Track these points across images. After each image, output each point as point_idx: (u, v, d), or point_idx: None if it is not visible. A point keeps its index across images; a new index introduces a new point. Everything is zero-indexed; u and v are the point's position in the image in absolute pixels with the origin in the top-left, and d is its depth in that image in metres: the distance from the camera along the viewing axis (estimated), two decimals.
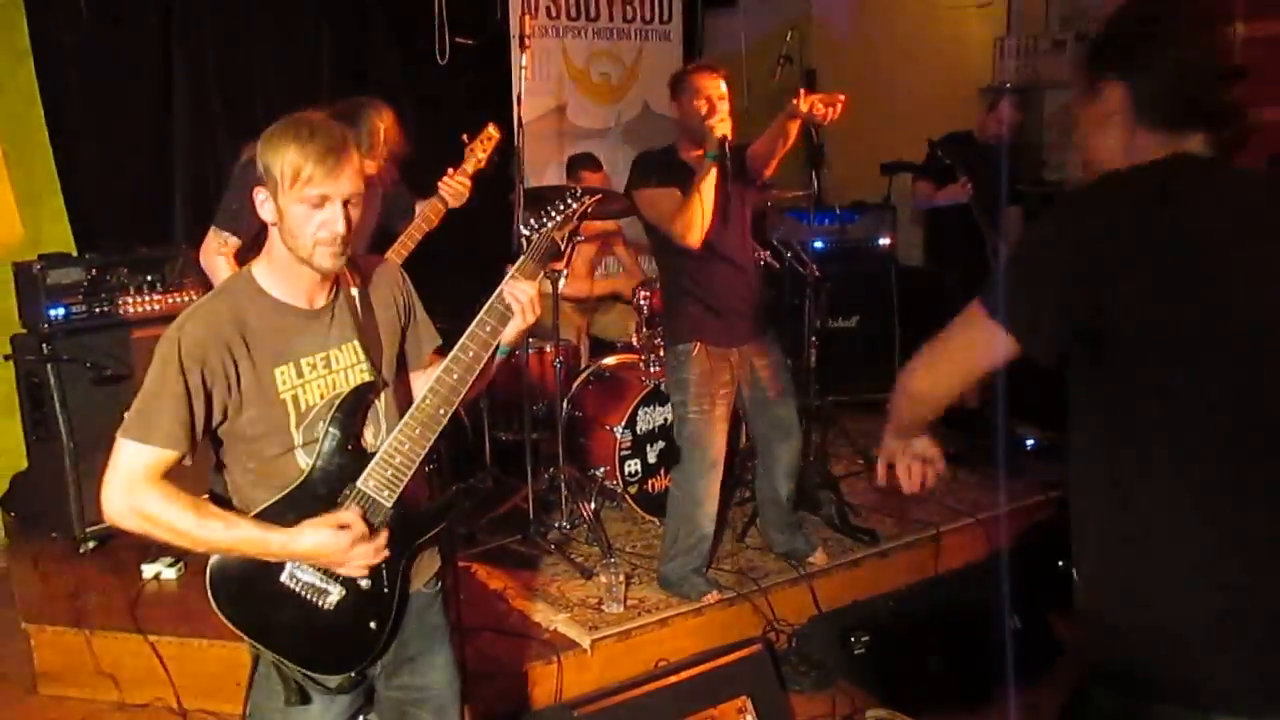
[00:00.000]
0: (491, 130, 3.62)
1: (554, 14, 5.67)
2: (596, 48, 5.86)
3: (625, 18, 5.92)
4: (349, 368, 1.96)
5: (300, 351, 1.91)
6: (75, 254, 4.22)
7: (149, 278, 4.10)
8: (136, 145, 4.60)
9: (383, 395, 2.00)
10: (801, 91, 3.16)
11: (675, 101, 3.48)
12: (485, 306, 2.01)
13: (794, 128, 3.28)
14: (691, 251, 3.38)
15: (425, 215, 3.50)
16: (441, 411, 1.95)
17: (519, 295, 2.01)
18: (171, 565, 3.72)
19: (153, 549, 3.75)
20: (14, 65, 4.28)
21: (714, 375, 3.50)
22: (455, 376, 1.96)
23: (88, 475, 3.84)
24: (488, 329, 1.99)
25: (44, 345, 3.89)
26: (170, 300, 4.09)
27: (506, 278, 2.03)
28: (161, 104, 4.64)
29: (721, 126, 3.27)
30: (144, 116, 4.61)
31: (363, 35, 5.12)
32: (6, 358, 4.09)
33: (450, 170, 3.55)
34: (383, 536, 1.91)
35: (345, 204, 1.84)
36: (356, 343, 1.97)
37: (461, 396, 1.97)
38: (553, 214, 2.13)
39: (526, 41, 4.03)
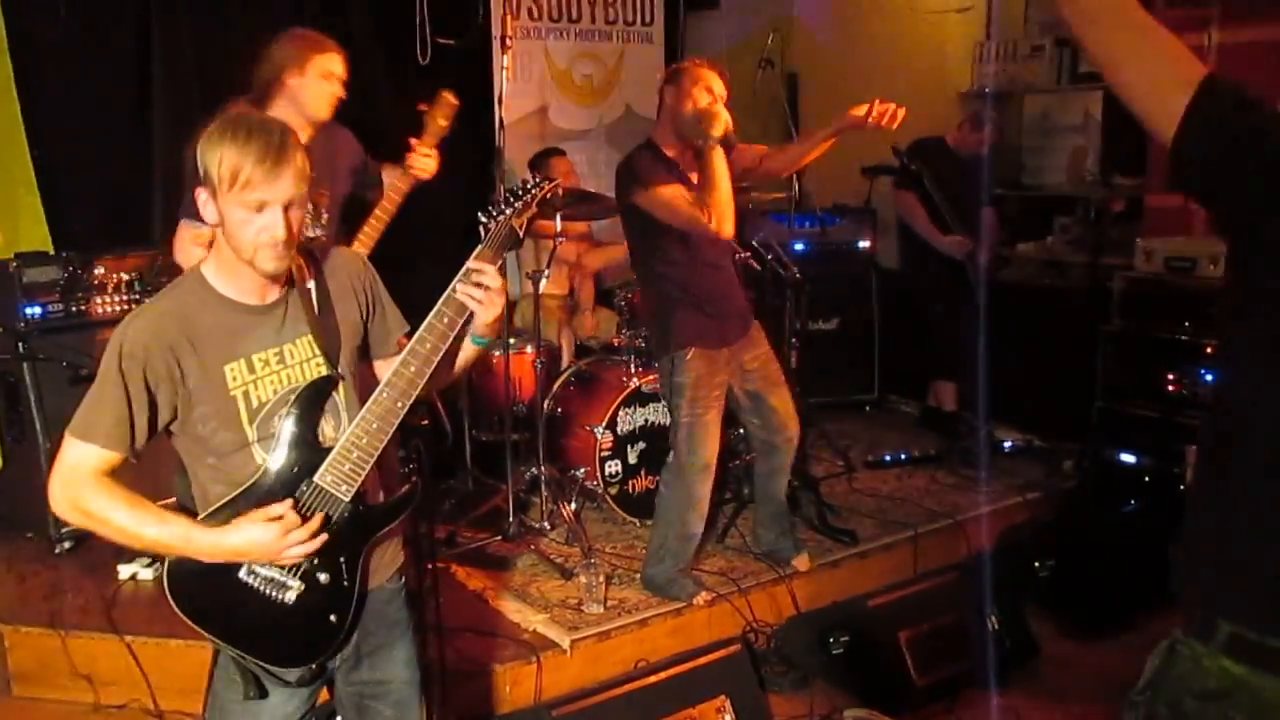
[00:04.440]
0: (449, 97, 3.49)
1: (536, 15, 5.66)
2: (578, 49, 5.86)
3: (607, 19, 5.92)
4: (304, 362, 1.95)
5: (251, 348, 1.90)
6: (52, 252, 4.19)
7: (126, 277, 4.08)
8: (115, 144, 4.56)
9: (342, 388, 1.98)
10: (875, 103, 3.29)
11: (672, 87, 3.43)
12: (443, 297, 2.00)
13: (831, 141, 3.41)
14: (681, 256, 3.40)
15: (395, 187, 3.41)
16: (399, 404, 1.94)
17: (482, 281, 2.00)
18: (148, 566, 3.69)
19: (128, 550, 3.73)
20: None
21: (709, 379, 3.49)
22: (413, 369, 1.95)
23: None
24: (445, 320, 1.98)
25: (20, 344, 3.86)
26: (147, 300, 4.06)
27: (464, 267, 2.02)
28: (140, 102, 4.60)
29: (723, 117, 3.27)
30: (122, 115, 4.57)
31: (344, 34, 5.08)
32: None
33: (414, 141, 3.44)
34: (316, 520, 1.89)
35: (286, 208, 1.81)
36: (311, 336, 1.96)
37: (420, 388, 1.96)
38: (511, 200, 2.12)
39: (508, 42, 4.03)
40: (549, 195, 2.21)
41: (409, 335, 2.07)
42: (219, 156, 1.78)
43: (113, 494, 1.81)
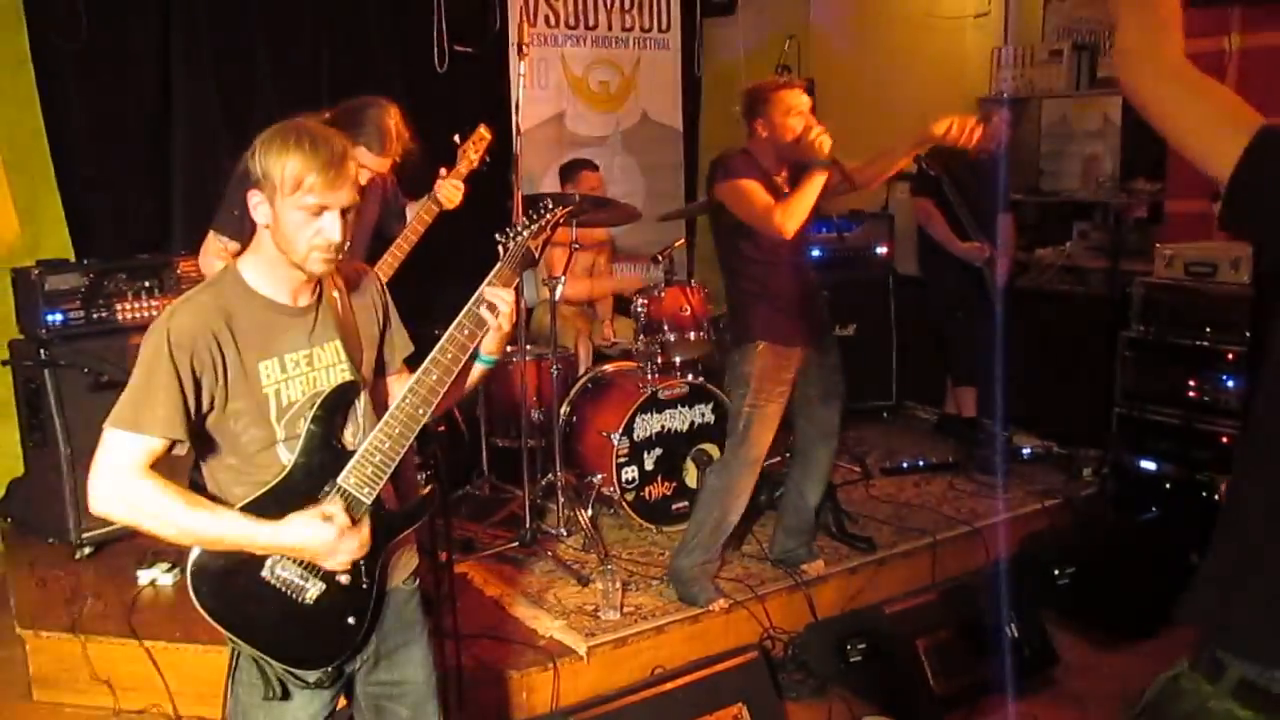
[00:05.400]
0: (483, 131, 3.66)
1: (553, 22, 5.69)
2: (595, 56, 5.88)
3: (624, 26, 5.94)
4: (330, 366, 1.99)
5: (284, 347, 1.94)
6: (73, 260, 4.23)
7: (146, 284, 4.11)
8: (135, 152, 4.61)
9: (362, 396, 2.03)
10: (949, 121, 3.31)
11: (760, 119, 3.47)
12: (464, 310, 2.06)
13: (909, 160, 3.51)
14: (759, 254, 3.50)
15: (420, 218, 3.53)
16: (421, 412, 1.98)
17: (496, 303, 2.07)
18: (168, 571, 3.72)
19: (149, 554, 3.75)
20: (14, 72, 4.29)
21: (775, 374, 3.56)
22: (434, 377, 2.00)
23: (85, 481, 3.82)
24: (465, 332, 2.05)
25: (41, 351, 3.90)
26: (169, 305, 4.10)
27: (483, 284, 2.08)
28: (160, 112, 4.64)
29: (826, 138, 3.33)
30: (143, 124, 4.61)
31: (362, 43, 5.13)
32: (4, 363, 4.08)
33: (443, 171, 3.58)
34: (366, 529, 1.94)
35: (343, 213, 1.87)
36: (339, 343, 2.00)
37: (440, 397, 2.01)
38: (528, 222, 2.18)
39: (525, 49, 4.05)
40: (563, 220, 2.26)
41: (409, 362, 2.15)
42: (283, 161, 1.83)
43: (166, 488, 1.83)
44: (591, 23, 5.83)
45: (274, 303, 1.94)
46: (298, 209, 1.84)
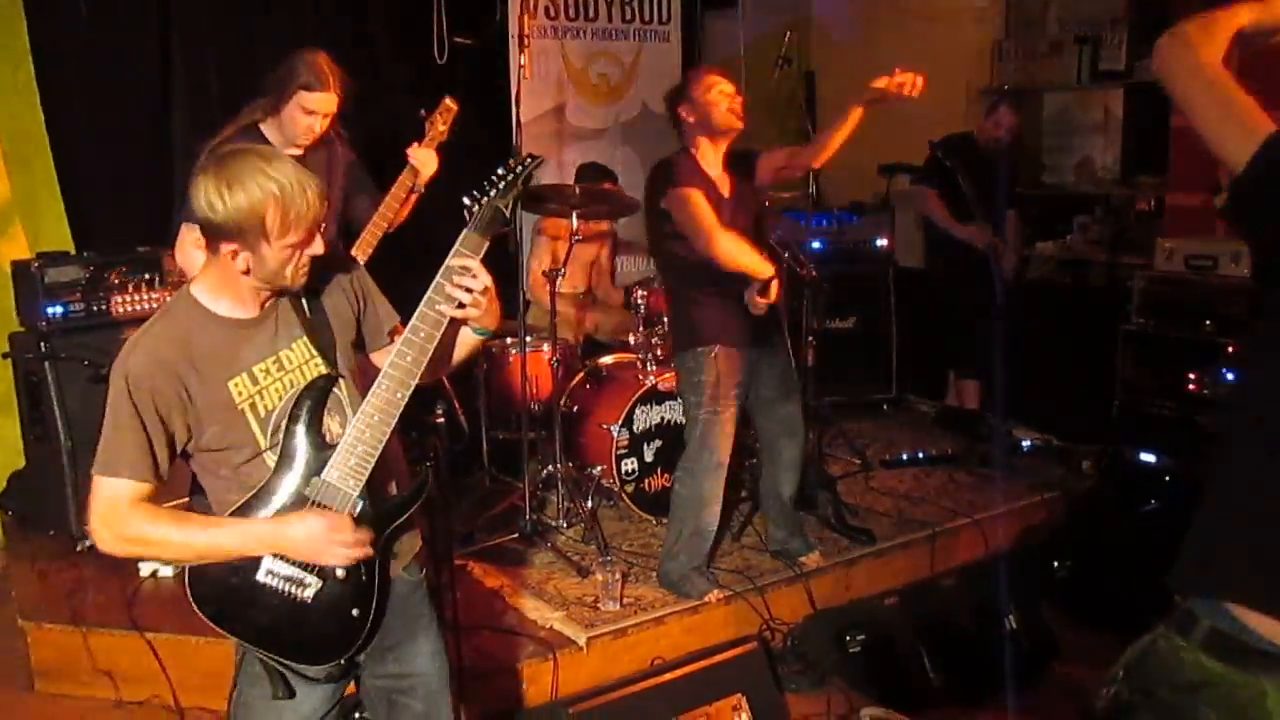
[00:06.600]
0: (449, 103, 3.65)
1: (553, 14, 5.67)
2: (595, 48, 5.86)
3: (624, 18, 5.92)
4: (303, 364, 1.97)
5: (250, 360, 1.92)
6: (73, 253, 4.23)
7: (147, 276, 4.11)
8: (135, 146, 4.60)
9: (343, 385, 2.00)
10: (895, 72, 3.33)
11: (684, 104, 3.52)
12: (432, 285, 1.99)
13: (858, 116, 3.44)
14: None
15: (394, 193, 3.53)
16: (399, 395, 1.94)
17: (465, 281, 1.98)
18: (168, 563, 3.72)
19: None
20: (14, 66, 4.28)
21: (730, 377, 3.53)
22: (409, 359, 1.95)
23: (85, 474, 3.75)
24: (437, 308, 1.98)
25: (42, 344, 3.90)
26: (167, 299, 4.10)
27: (450, 254, 2.00)
28: (160, 105, 4.63)
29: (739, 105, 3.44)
30: (143, 117, 4.61)
31: (361, 35, 5.13)
32: (5, 356, 4.09)
33: (415, 145, 3.59)
34: (366, 533, 1.92)
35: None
36: (305, 339, 1.97)
37: (418, 378, 1.96)
38: (495, 182, 2.09)
39: (525, 42, 4.05)
40: (534, 173, 2.15)
41: (404, 324, 2.07)
42: (260, 212, 1.80)
43: (156, 515, 1.84)
44: (592, 14, 5.82)
45: (231, 319, 1.92)
46: (288, 247, 1.84)
